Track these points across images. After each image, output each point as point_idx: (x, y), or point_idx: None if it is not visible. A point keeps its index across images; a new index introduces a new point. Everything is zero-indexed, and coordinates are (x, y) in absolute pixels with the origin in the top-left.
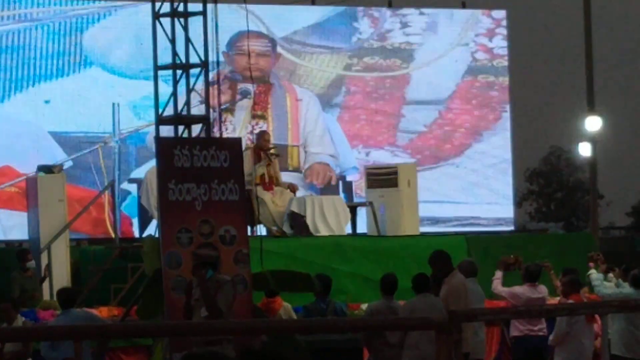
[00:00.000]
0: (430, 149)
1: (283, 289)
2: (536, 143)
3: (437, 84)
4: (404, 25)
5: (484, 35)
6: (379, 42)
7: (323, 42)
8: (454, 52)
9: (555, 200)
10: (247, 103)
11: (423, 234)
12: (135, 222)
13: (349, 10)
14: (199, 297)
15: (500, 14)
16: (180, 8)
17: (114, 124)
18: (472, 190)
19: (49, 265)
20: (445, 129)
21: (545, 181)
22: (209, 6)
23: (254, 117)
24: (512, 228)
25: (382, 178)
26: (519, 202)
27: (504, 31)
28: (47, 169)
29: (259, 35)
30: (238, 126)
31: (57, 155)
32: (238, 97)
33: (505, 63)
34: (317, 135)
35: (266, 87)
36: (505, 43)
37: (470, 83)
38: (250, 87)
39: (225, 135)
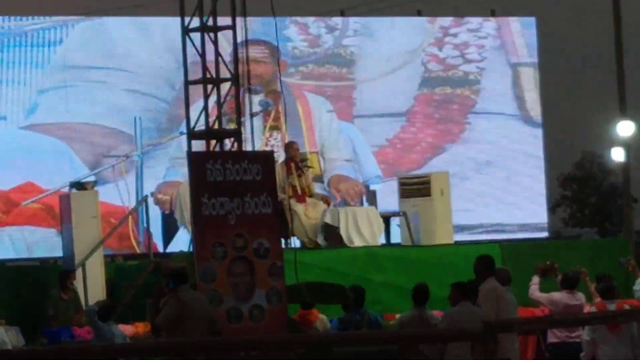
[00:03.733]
0: (388, 162)
1: (318, 300)
2: (569, 148)
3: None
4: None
5: (433, 45)
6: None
7: None
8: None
9: (589, 205)
10: (259, 116)
11: (457, 243)
12: (158, 236)
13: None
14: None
15: (530, 21)
16: (210, 22)
17: (136, 138)
18: (504, 197)
19: (84, 282)
20: (406, 143)
21: (579, 186)
22: (238, 20)
23: (269, 128)
24: (546, 234)
25: (415, 188)
26: (552, 208)
27: (519, 38)
28: (79, 185)
29: (258, 42)
30: (256, 139)
31: (79, 170)
32: (259, 108)
33: (460, 73)
34: (333, 139)
35: (276, 96)
36: (535, 50)
37: (428, 96)
38: (269, 100)
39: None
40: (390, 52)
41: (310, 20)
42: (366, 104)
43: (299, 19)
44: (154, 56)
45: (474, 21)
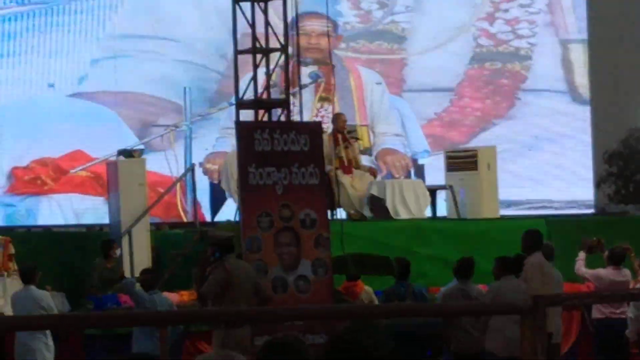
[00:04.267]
0: (436, 135)
1: (363, 272)
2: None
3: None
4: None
5: (484, 20)
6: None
7: None
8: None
9: (634, 182)
10: (311, 88)
11: (503, 217)
12: (205, 206)
13: None
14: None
15: None
16: None
17: (185, 108)
18: (551, 172)
19: (130, 250)
20: (454, 117)
21: (624, 163)
22: None
23: (320, 99)
24: (592, 211)
25: (462, 161)
26: (598, 184)
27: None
28: (127, 153)
29: (318, 15)
30: (305, 111)
31: (128, 139)
32: (308, 80)
33: (512, 49)
34: (383, 114)
35: (328, 68)
36: (585, 26)
37: (479, 71)
38: (318, 71)
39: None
40: (440, 26)
41: None
42: (417, 78)
43: None
44: (205, 27)
45: None
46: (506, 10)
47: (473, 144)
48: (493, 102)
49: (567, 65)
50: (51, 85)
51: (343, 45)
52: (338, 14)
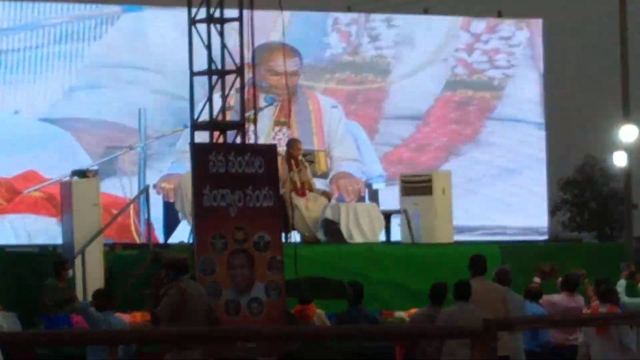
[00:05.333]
0: (403, 162)
1: (316, 295)
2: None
3: (414, 99)
4: (375, 38)
5: (463, 50)
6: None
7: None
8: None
9: (589, 209)
10: (268, 111)
11: (457, 242)
12: (159, 227)
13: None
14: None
15: (537, 23)
16: (217, 14)
17: (140, 129)
18: (505, 199)
19: (83, 270)
20: (420, 143)
21: (580, 190)
22: (245, 12)
23: (277, 124)
24: (545, 237)
25: (417, 186)
26: (552, 211)
27: (527, 36)
28: (81, 174)
29: (292, 52)
30: (261, 134)
31: (82, 161)
32: (264, 103)
33: (485, 78)
34: (339, 139)
35: (284, 92)
36: (541, 52)
37: (449, 98)
38: (274, 96)
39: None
40: (420, 57)
41: (353, 28)
42: (391, 105)
43: (341, 27)
44: (168, 50)
45: (507, 29)
46: (486, 42)
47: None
48: (458, 128)
49: (532, 96)
50: (17, 112)
51: (328, 76)
52: (327, 45)
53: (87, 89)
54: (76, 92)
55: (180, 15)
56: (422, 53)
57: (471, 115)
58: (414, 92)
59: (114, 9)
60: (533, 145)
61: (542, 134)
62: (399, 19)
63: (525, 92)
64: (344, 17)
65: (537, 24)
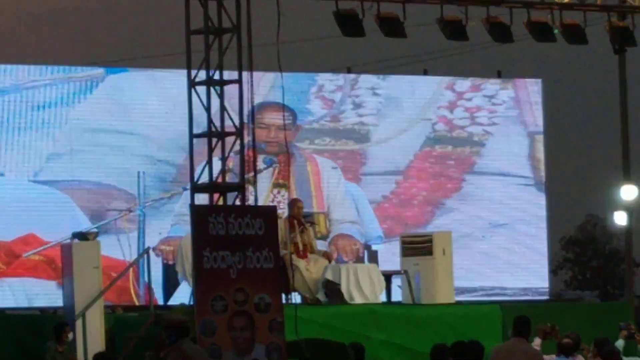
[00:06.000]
0: (391, 217)
1: (318, 357)
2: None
3: (394, 156)
4: (358, 106)
5: (445, 108)
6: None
7: None
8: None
9: (591, 268)
10: (267, 173)
11: (458, 303)
12: (158, 289)
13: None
14: None
15: (536, 83)
16: (216, 76)
17: (138, 192)
18: (504, 259)
19: (84, 333)
20: (401, 198)
21: (581, 249)
22: (244, 74)
23: (275, 186)
24: (546, 297)
25: (417, 246)
26: (554, 270)
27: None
28: (81, 236)
29: (280, 107)
30: (260, 196)
31: (81, 223)
32: (263, 165)
33: (465, 134)
34: (338, 201)
35: (286, 156)
36: (540, 112)
37: (427, 153)
38: (273, 157)
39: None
40: (407, 117)
41: (337, 95)
42: (372, 162)
43: (325, 93)
44: (164, 118)
45: (490, 87)
46: (469, 99)
47: (429, 227)
48: (437, 183)
49: (525, 154)
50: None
51: (308, 141)
52: (308, 112)
53: (69, 154)
54: (62, 156)
55: (166, 76)
56: (407, 114)
57: (450, 170)
58: (393, 150)
59: (98, 70)
60: (523, 200)
61: (543, 194)
62: (390, 79)
63: (512, 147)
64: (329, 84)
65: (524, 83)
